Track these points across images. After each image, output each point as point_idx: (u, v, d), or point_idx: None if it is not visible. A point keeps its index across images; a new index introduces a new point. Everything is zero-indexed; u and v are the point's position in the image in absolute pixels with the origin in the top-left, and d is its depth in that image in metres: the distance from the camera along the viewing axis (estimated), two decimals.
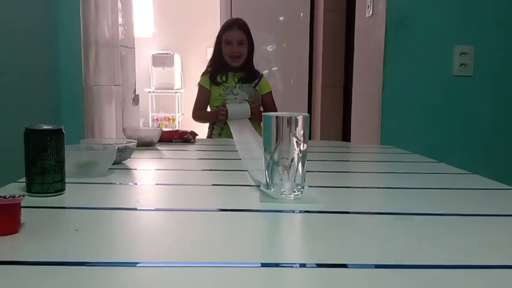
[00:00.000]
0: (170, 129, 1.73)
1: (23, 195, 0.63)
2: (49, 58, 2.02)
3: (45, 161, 0.78)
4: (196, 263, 0.54)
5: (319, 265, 0.55)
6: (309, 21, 3.53)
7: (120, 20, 2.81)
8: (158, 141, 1.56)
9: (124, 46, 2.92)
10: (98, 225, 0.68)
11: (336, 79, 3.28)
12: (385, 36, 1.96)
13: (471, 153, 1.99)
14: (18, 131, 1.87)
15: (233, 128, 1.93)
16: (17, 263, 0.54)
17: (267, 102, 2.28)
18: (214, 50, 2.27)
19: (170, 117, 5.90)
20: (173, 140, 1.64)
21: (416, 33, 1.98)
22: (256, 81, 2.26)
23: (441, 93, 2.00)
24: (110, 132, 2.57)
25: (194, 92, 2.30)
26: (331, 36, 3.29)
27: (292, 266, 0.55)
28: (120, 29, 2.81)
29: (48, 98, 2.01)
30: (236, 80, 2.22)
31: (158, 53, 5.68)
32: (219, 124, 2.18)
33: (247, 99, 2.20)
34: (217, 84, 2.20)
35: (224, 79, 2.21)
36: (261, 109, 2.26)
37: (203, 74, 2.29)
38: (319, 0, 3.42)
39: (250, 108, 2.12)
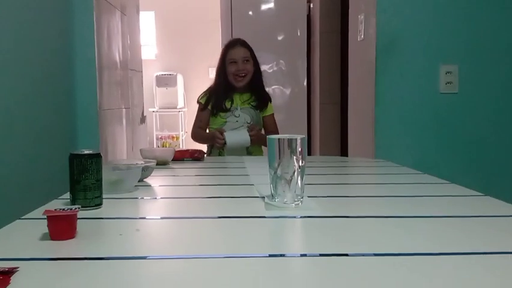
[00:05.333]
0: (181, 149, 1.84)
1: (79, 208, 0.78)
2: (67, 84, 2.17)
3: (87, 180, 0.94)
4: (215, 255, 0.70)
5: (321, 255, 0.70)
6: (306, 41, 3.70)
7: (128, 43, 2.98)
8: (172, 160, 1.71)
9: (132, 69, 3.09)
10: (137, 230, 0.84)
11: (333, 97, 3.44)
12: (376, 58, 2.14)
13: (457, 165, 2.15)
14: (42, 154, 2.03)
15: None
16: (76, 259, 0.69)
17: (269, 124, 2.25)
18: (217, 72, 2.22)
19: (174, 136, 6.07)
20: (185, 159, 1.79)
21: (404, 54, 2.15)
22: (263, 106, 2.21)
23: (429, 110, 2.16)
24: (122, 152, 2.72)
25: (196, 110, 2.26)
26: (327, 56, 3.46)
27: (295, 256, 0.70)
28: (129, 52, 2.98)
29: (66, 123, 2.15)
30: (241, 102, 2.19)
31: (162, 74, 5.88)
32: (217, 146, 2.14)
33: (248, 122, 2.16)
34: (224, 110, 2.16)
35: (229, 105, 2.17)
36: (262, 132, 2.23)
37: (204, 92, 2.23)
38: (315, 21, 3.61)
39: (250, 137, 2.05)
